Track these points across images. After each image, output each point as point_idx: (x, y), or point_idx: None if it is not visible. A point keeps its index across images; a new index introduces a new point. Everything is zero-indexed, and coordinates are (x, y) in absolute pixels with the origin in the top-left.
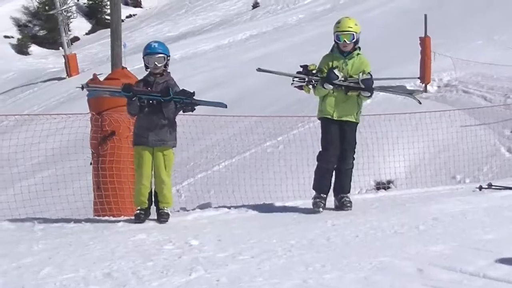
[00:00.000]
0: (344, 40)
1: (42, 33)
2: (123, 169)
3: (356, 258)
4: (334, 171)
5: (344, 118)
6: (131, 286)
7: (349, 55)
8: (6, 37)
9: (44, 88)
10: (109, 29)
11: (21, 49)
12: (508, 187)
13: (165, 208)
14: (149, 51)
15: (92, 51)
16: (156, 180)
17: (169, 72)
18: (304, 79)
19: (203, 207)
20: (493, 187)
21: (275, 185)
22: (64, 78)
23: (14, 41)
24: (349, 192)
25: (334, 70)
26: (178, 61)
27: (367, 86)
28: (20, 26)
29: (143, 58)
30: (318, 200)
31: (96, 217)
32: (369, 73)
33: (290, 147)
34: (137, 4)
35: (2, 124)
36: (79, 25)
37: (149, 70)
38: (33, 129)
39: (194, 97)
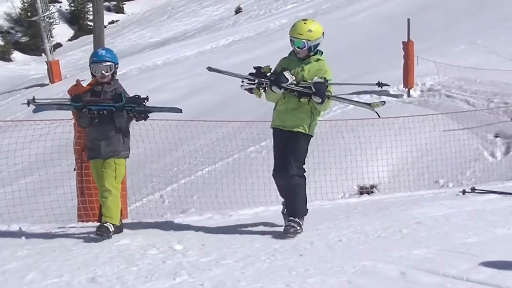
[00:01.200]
0: (295, 47)
1: (24, 39)
2: None
3: (340, 262)
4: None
5: (295, 129)
6: None
7: (305, 60)
8: None
9: (27, 95)
10: (91, 35)
11: (3, 55)
12: (491, 191)
13: (107, 223)
14: (95, 59)
15: (75, 57)
16: (101, 189)
17: (117, 80)
18: (254, 81)
19: (186, 212)
20: (476, 191)
21: (258, 189)
22: (47, 85)
23: None
24: (298, 215)
25: (284, 73)
26: (160, 67)
27: (317, 89)
28: (2, 32)
29: (90, 66)
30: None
31: (80, 223)
32: (324, 78)
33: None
34: (120, 10)
35: None
36: (62, 32)
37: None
38: (16, 135)
39: (146, 104)
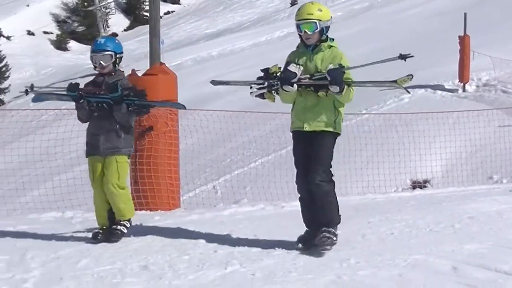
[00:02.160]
0: (305, 31)
1: (80, 29)
2: (160, 164)
3: (391, 255)
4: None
5: (317, 128)
6: (167, 279)
7: (315, 48)
8: (45, 33)
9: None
10: (147, 26)
11: (60, 45)
12: None
13: (120, 223)
14: (94, 48)
15: (130, 48)
16: (106, 191)
17: (122, 71)
18: (263, 84)
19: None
20: None
21: None
22: None
23: (53, 37)
24: (331, 224)
25: (288, 67)
26: (215, 58)
27: (333, 78)
28: (59, 22)
29: (90, 56)
30: (301, 235)
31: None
32: (340, 64)
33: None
34: (176, 1)
35: (41, 118)
36: (118, 22)
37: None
38: (71, 123)
39: (146, 97)
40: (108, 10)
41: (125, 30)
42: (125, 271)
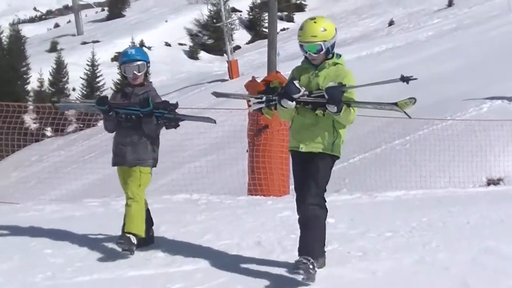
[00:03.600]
0: (309, 53)
1: (210, 41)
2: (273, 157)
3: (467, 241)
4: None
5: (314, 150)
6: (276, 254)
7: (321, 65)
8: (180, 44)
9: (209, 88)
10: (266, 40)
11: (192, 54)
12: None
13: (130, 234)
14: (125, 59)
15: (251, 58)
16: (126, 198)
17: (151, 82)
18: (261, 98)
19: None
20: None
21: (400, 176)
22: (226, 80)
23: (187, 48)
24: (312, 254)
25: (295, 82)
26: None
27: (330, 96)
28: (192, 35)
29: (120, 67)
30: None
31: (249, 196)
32: (340, 82)
33: (415, 146)
34: (290, 19)
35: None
36: (241, 36)
37: (127, 80)
38: None
39: (177, 111)
40: (233, 26)
41: (247, 43)
42: (241, 245)
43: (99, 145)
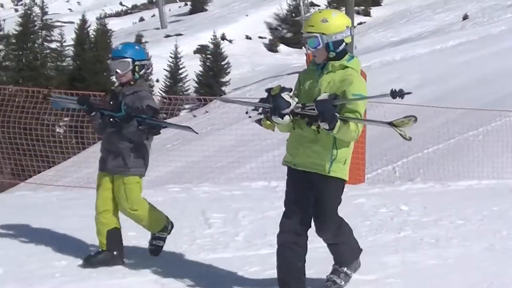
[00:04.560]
0: (308, 47)
1: (288, 35)
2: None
3: None
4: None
5: (307, 169)
6: None
7: (325, 66)
8: (260, 37)
9: (288, 79)
10: None
11: (271, 47)
12: None
13: (155, 236)
14: (111, 56)
15: None
16: (123, 214)
17: (145, 80)
18: (257, 109)
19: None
20: None
21: (473, 167)
22: None
23: (266, 41)
24: (346, 266)
25: (282, 94)
26: (397, 62)
27: (320, 111)
28: (272, 29)
29: (109, 63)
30: None
31: None
32: (335, 93)
33: (488, 137)
34: (367, 14)
35: None
36: None
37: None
38: None
39: (158, 117)
40: None
41: None
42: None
43: (183, 134)
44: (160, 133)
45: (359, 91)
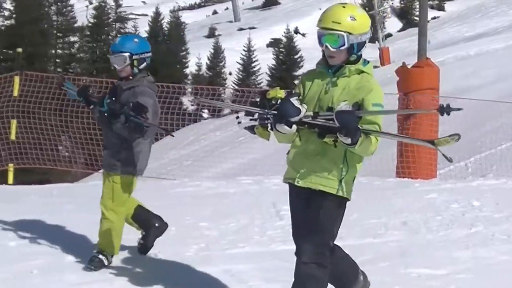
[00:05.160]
0: (326, 45)
1: None
2: None
3: None
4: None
5: (313, 186)
6: (422, 234)
7: (338, 71)
8: None
9: None
10: (417, 28)
11: None
12: None
13: (102, 253)
14: (110, 50)
15: (402, 46)
16: (102, 211)
17: (144, 76)
18: (253, 115)
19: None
20: None
21: None
22: (378, 67)
23: None
24: None
25: (292, 99)
26: (472, 57)
27: (342, 124)
28: None
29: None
30: None
31: (397, 178)
32: (357, 103)
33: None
34: (441, 8)
35: None
36: (393, 24)
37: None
38: None
39: (142, 115)
40: (385, 14)
41: (398, 31)
42: (388, 225)
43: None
44: (143, 132)
45: (378, 100)
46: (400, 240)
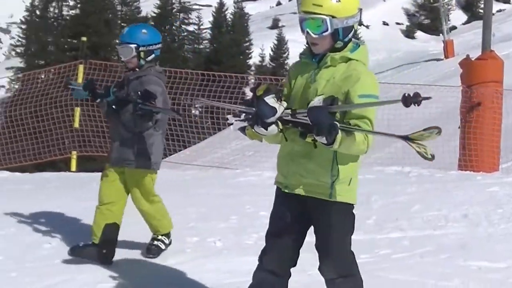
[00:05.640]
0: (307, 31)
1: (426, 21)
2: (485, 134)
3: None
4: None
5: (301, 192)
6: (483, 227)
7: (324, 59)
8: (397, 23)
9: (425, 67)
10: (481, 21)
11: (408, 34)
12: None
13: (158, 237)
14: (118, 41)
15: (467, 38)
16: (137, 208)
17: (152, 66)
18: (239, 116)
19: None
20: None
21: None
22: (441, 59)
23: (403, 27)
24: None
25: (267, 98)
26: None
27: (314, 121)
28: (409, 15)
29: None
30: None
31: (459, 171)
32: (332, 97)
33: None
34: (507, 1)
35: None
36: (457, 16)
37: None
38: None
39: (151, 102)
40: (450, 7)
41: (463, 23)
42: (448, 217)
43: None
44: (152, 120)
45: (368, 90)
46: (461, 233)
